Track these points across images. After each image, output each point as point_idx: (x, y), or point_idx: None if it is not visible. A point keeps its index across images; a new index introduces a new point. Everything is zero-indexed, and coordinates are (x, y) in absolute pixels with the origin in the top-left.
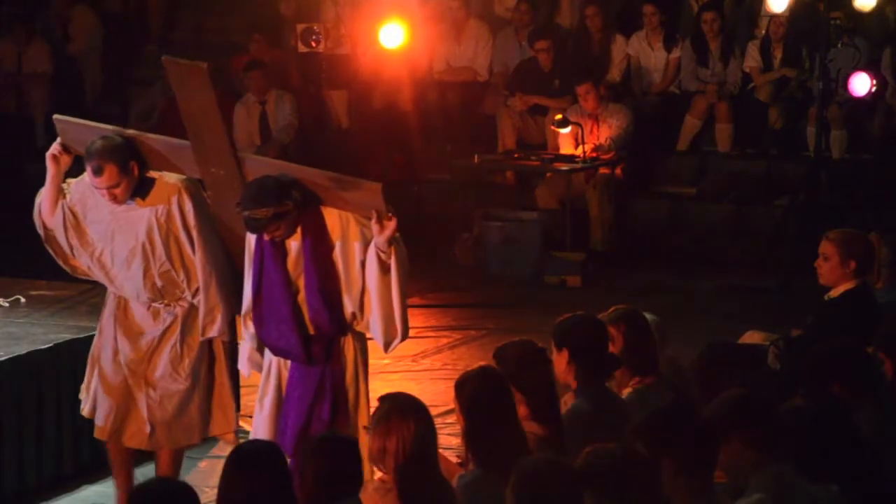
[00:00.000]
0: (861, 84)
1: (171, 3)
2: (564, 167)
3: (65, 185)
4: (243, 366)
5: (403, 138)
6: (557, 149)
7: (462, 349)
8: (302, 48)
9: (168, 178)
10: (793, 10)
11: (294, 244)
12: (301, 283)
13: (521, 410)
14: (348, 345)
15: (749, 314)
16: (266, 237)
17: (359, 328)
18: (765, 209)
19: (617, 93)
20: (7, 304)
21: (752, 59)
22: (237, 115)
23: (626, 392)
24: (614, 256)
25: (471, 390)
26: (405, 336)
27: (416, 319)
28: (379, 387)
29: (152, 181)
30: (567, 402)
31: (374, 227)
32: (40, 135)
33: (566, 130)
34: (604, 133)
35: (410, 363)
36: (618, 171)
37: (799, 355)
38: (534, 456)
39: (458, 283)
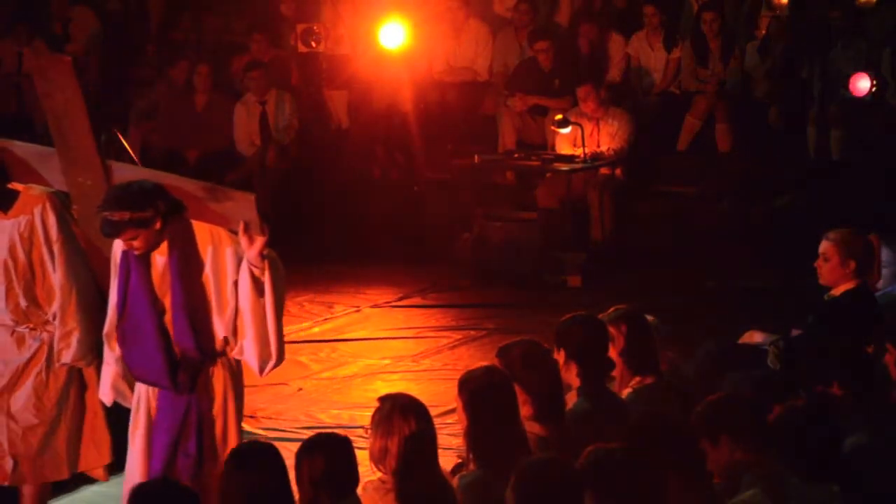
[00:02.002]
0: (861, 84)
1: (171, 3)
2: (564, 167)
3: None
4: (105, 394)
5: (403, 138)
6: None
7: (462, 349)
8: (302, 48)
9: (33, 190)
10: (793, 10)
11: (160, 259)
12: (167, 302)
13: (526, 410)
14: (217, 374)
15: (749, 314)
16: (124, 246)
17: (232, 355)
18: (765, 209)
19: (617, 93)
20: None
21: (752, 58)
22: (237, 115)
23: (626, 392)
24: (614, 257)
25: (475, 389)
26: (281, 359)
27: (416, 319)
28: (379, 387)
29: (16, 193)
30: (567, 402)
31: (243, 239)
32: (40, 135)
33: (566, 130)
34: (604, 136)
35: (410, 363)
36: (618, 171)
37: (799, 355)
38: (534, 456)
39: (458, 283)
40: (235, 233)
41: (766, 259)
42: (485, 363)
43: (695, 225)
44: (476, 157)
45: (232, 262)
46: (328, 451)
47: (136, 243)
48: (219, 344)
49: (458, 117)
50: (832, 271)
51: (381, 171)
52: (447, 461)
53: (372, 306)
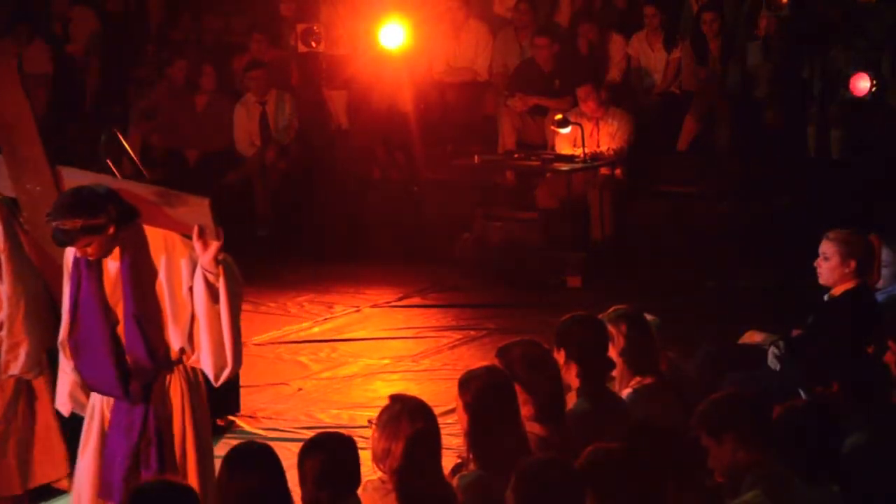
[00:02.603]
0: (861, 84)
1: (171, 3)
2: (564, 167)
3: None
4: (62, 404)
5: (403, 138)
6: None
7: (462, 349)
8: (302, 48)
9: None
10: (793, 10)
11: (112, 265)
12: (120, 310)
13: (526, 410)
14: (174, 383)
15: (749, 314)
16: (77, 254)
17: (189, 363)
18: (765, 209)
19: (617, 93)
20: None
21: (753, 58)
22: (237, 115)
23: (626, 392)
24: (614, 257)
25: (475, 389)
26: (237, 367)
27: (416, 319)
28: (379, 387)
29: None
30: (567, 402)
31: (197, 243)
32: (40, 135)
33: (566, 130)
34: (604, 136)
35: (410, 363)
36: (618, 171)
37: (799, 355)
38: (535, 456)
39: (458, 283)
40: (190, 238)
41: (766, 259)
42: (485, 363)
43: (695, 225)
44: (476, 157)
45: (186, 268)
46: (330, 450)
47: (90, 250)
48: (174, 352)
49: (458, 117)
50: (832, 271)
51: (381, 171)
52: (447, 461)
53: (372, 306)
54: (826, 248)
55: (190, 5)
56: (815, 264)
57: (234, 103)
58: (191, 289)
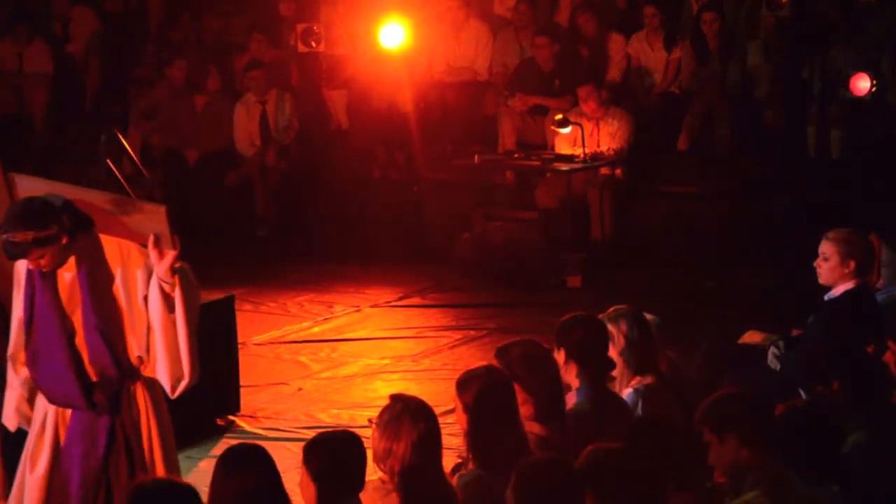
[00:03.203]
0: (861, 84)
1: (171, 3)
2: (564, 167)
3: None
4: (8, 419)
5: (403, 138)
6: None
7: (462, 349)
8: (302, 48)
9: None
10: (793, 10)
11: (68, 275)
12: (78, 320)
13: (525, 410)
14: (139, 392)
15: (749, 314)
16: (30, 265)
17: (146, 373)
18: (765, 209)
19: (617, 93)
20: None
21: (753, 58)
22: (237, 115)
23: (626, 392)
24: (614, 256)
25: (475, 390)
26: (195, 378)
27: (416, 319)
28: (379, 387)
29: None
30: (567, 401)
31: (153, 253)
32: (40, 135)
33: (566, 130)
34: (604, 136)
35: (410, 363)
36: (618, 171)
37: (799, 355)
38: (535, 456)
39: (458, 283)
40: (146, 246)
41: (766, 259)
42: (484, 363)
43: (695, 225)
44: (476, 157)
45: (142, 277)
46: (332, 449)
47: (43, 262)
48: (135, 361)
49: (458, 117)
50: (832, 271)
51: (381, 171)
52: (447, 461)
53: (372, 306)
54: (826, 248)
55: (190, 5)
56: (815, 264)
57: (234, 103)
58: (146, 298)
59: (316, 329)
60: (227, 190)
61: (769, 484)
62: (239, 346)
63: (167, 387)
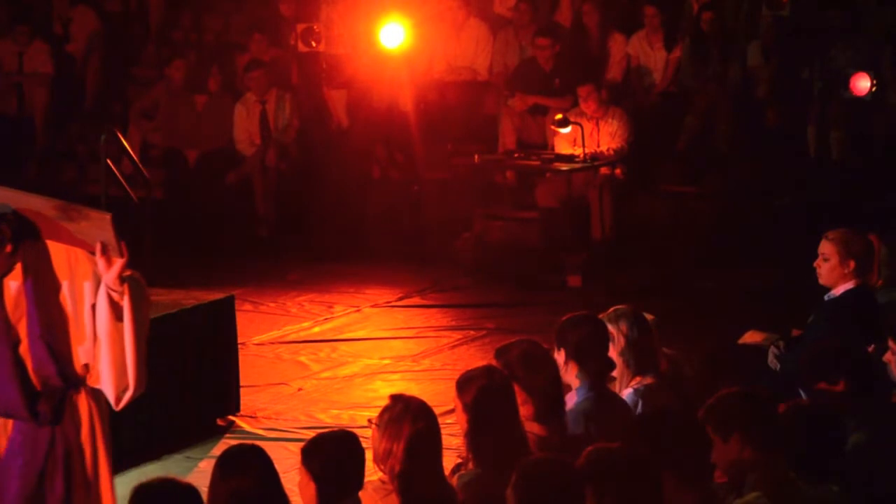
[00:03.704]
0: (861, 84)
1: (171, 3)
2: (564, 167)
3: None
4: None
5: (403, 138)
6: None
7: (462, 349)
8: (302, 48)
9: None
10: (793, 10)
11: (13, 284)
12: (23, 329)
13: (525, 410)
14: (82, 402)
15: (749, 314)
16: None
17: (91, 383)
18: (765, 209)
19: (617, 93)
20: None
21: (753, 58)
22: (237, 115)
23: (626, 392)
24: (615, 256)
25: (475, 390)
26: (140, 389)
27: (416, 319)
28: (379, 387)
29: None
30: (567, 402)
31: (100, 261)
32: (40, 135)
33: (566, 130)
34: (604, 136)
35: (410, 363)
36: (618, 171)
37: (799, 355)
38: (535, 456)
39: (458, 283)
40: (94, 254)
41: (766, 259)
42: (484, 363)
43: (695, 225)
44: (476, 157)
45: (90, 286)
46: (332, 450)
47: None
48: (80, 370)
49: (458, 117)
50: (832, 271)
51: (381, 170)
52: (447, 461)
53: (372, 306)
54: (825, 248)
55: (190, 5)
56: (815, 265)
57: (235, 103)
58: (93, 306)
59: (316, 329)
60: (227, 190)
61: (770, 485)
62: (239, 346)
63: (111, 397)
